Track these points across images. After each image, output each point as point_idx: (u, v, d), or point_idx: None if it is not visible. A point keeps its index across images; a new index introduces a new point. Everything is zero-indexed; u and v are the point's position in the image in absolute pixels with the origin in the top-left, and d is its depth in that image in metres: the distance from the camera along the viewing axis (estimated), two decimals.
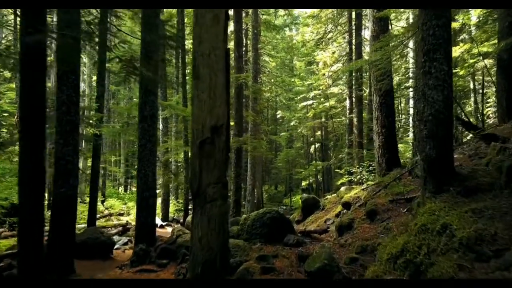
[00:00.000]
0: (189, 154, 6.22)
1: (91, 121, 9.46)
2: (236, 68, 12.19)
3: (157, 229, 15.36)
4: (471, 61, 12.10)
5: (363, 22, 17.81)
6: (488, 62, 12.53)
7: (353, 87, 16.87)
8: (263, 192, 31.77)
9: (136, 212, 7.90)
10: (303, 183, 28.09)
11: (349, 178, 15.00)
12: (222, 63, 3.68)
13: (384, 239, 4.77)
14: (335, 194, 11.14)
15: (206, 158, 3.67)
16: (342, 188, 13.51)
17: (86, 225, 10.82)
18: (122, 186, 28.09)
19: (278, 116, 34.06)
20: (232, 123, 14.44)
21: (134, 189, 25.85)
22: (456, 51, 13.00)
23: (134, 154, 27.15)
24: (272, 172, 33.48)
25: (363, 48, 18.08)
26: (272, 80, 26.42)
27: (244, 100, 21.31)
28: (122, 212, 18.01)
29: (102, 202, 20.62)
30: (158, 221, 16.05)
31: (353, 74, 17.10)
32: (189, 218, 12.34)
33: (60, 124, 6.27)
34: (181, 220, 18.91)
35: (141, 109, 7.67)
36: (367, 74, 19.24)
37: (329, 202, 9.20)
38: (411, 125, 22.61)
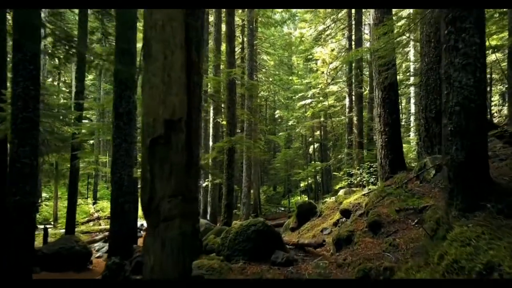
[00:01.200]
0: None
1: (66, 119, 8.58)
2: (227, 63, 11.30)
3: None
4: None
5: (363, 18, 16.92)
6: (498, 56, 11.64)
7: (353, 84, 15.97)
8: (261, 193, 30.90)
9: (110, 221, 7.02)
10: (302, 184, 27.18)
11: (349, 180, 14.10)
12: (180, 37, 2.77)
13: (391, 260, 3.87)
14: (333, 199, 10.26)
15: (160, 162, 2.76)
16: (341, 192, 12.62)
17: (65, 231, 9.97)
18: None
19: (276, 116, 33.18)
20: (224, 122, 13.57)
21: None
22: None
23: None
24: (270, 173, 32.59)
25: (363, 44, 17.17)
26: (271, 79, 25.50)
27: (241, 99, 20.46)
28: None
29: (94, 204, 19.77)
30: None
31: (353, 71, 16.20)
32: None
33: (15, 121, 5.40)
34: None
35: (116, 105, 6.77)
36: (367, 71, 18.34)
37: (326, 208, 8.30)
38: (412, 124, 21.72)
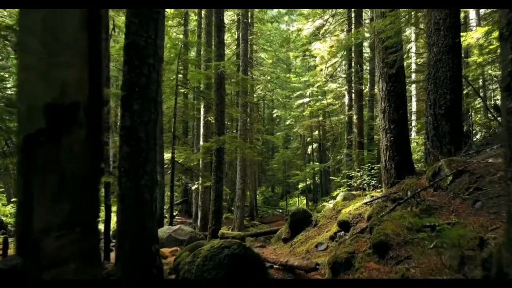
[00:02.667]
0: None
1: None
2: (216, 55, 10.23)
3: None
4: (492, 46, 10.14)
5: (363, 10, 15.84)
6: None
7: (353, 81, 14.89)
8: (258, 195, 29.81)
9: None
10: (300, 185, 26.09)
11: (348, 183, 13.02)
12: None
13: None
14: (330, 205, 9.21)
15: (41, 173, 1.66)
16: (340, 196, 11.52)
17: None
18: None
19: (274, 116, 32.12)
20: (212, 119, 12.47)
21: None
22: (472, 37, 11.02)
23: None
24: (268, 173, 31.53)
25: (364, 38, 16.08)
26: (268, 78, 24.36)
27: (236, 97, 19.35)
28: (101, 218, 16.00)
29: None
30: None
31: (353, 67, 15.12)
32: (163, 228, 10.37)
33: None
34: None
35: None
36: (368, 68, 17.26)
37: (323, 216, 7.22)
38: (414, 123, 20.60)
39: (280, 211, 26.66)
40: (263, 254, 5.87)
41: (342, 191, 12.67)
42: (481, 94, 15.43)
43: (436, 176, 4.90)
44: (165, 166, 12.00)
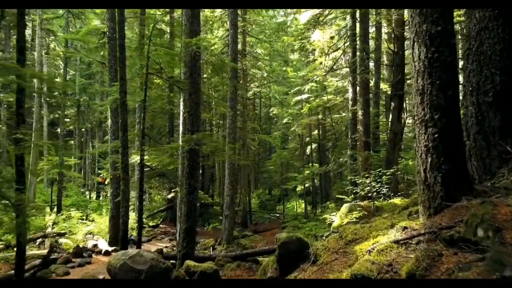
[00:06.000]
0: None
1: None
2: (189, 31, 7.88)
3: (97, 257, 11.10)
4: None
5: None
6: None
7: (357, 70, 12.50)
8: (255, 198, 27.39)
9: None
10: (298, 188, 23.66)
11: (354, 191, 10.64)
12: None
13: None
14: (335, 222, 6.89)
15: None
16: (344, 207, 9.20)
17: None
18: (96, 193, 23.71)
19: (271, 114, 29.73)
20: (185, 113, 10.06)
21: (108, 195, 21.20)
22: None
23: (104, 154, 22.83)
24: (264, 175, 29.13)
25: (370, 22, 13.71)
26: (265, 74, 21.93)
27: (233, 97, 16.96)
28: (71, 230, 13.61)
29: (59, 214, 16.25)
30: (103, 245, 11.74)
31: (357, 55, 12.75)
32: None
33: None
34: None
35: None
36: (373, 55, 14.88)
37: (325, 249, 4.83)
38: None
39: (278, 214, 24.32)
40: None
41: (349, 200, 10.33)
42: None
43: None
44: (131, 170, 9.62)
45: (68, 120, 26.54)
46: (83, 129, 26.08)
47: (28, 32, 22.05)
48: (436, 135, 3.70)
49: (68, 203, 20.38)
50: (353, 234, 4.77)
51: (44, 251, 9.58)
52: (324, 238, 5.66)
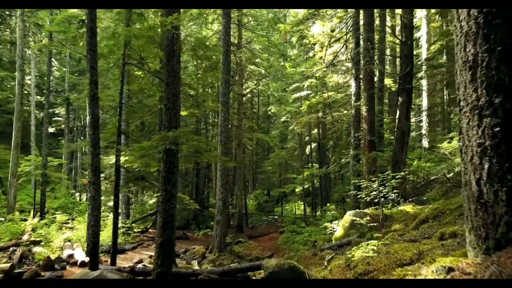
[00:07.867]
0: None
1: None
2: (166, 11, 6.60)
3: (71, 269, 9.82)
4: None
5: None
6: None
7: (361, 62, 11.21)
8: (252, 199, 26.09)
9: None
10: (297, 189, 22.36)
11: (358, 195, 9.36)
12: None
13: None
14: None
15: None
16: (347, 216, 7.92)
17: None
18: (85, 194, 22.41)
19: (270, 113, 28.46)
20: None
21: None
22: None
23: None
24: (262, 176, 27.85)
25: (376, 13, 12.40)
26: (263, 71, 20.58)
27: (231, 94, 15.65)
28: (47, 237, 12.23)
29: (42, 219, 14.92)
30: (80, 255, 10.44)
31: (361, 44, 11.46)
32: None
33: None
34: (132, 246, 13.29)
35: None
36: (377, 47, 13.56)
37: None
38: (425, 126, 16.86)
39: (276, 217, 23.04)
40: None
41: (350, 202, 9.05)
42: None
43: None
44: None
45: (60, 118, 25.36)
46: (74, 128, 24.85)
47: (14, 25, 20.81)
48: (497, 129, 2.41)
49: (55, 205, 19.12)
50: (365, 263, 3.48)
51: (7, 265, 8.29)
52: (326, 262, 4.38)
